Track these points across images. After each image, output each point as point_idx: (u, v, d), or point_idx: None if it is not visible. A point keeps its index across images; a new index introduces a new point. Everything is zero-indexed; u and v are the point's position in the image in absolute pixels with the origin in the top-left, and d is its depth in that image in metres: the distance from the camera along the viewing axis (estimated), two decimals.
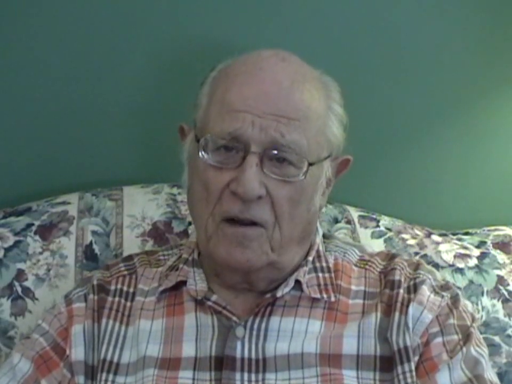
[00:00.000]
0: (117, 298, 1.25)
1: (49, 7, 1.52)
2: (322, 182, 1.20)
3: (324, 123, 1.19)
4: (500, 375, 1.42)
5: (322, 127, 1.18)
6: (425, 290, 1.18)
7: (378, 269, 1.23)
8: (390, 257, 1.26)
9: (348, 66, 1.58)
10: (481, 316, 1.46)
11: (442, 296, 1.18)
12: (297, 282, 1.19)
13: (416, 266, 1.22)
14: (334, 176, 1.24)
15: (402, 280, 1.19)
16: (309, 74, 1.20)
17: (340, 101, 1.22)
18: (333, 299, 1.19)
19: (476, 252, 1.53)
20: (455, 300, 1.19)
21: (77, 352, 1.21)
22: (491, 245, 1.54)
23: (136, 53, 1.55)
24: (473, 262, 1.51)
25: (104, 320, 1.23)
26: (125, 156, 1.59)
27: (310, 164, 1.15)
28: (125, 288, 1.26)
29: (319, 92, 1.19)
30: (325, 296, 1.19)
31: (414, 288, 1.18)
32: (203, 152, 1.15)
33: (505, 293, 1.49)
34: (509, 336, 1.46)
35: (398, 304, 1.16)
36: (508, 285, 1.49)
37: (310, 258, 1.23)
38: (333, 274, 1.22)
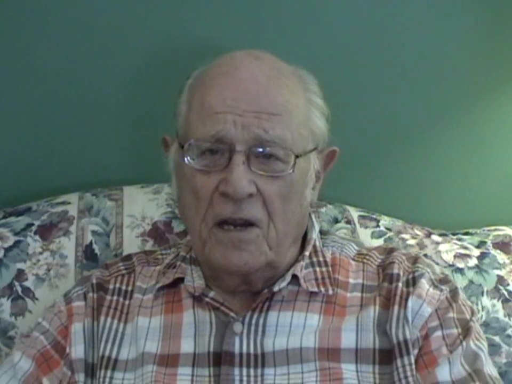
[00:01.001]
0: (115, 297, 1.25)
1: (46, 9, 1.53)
2: (311, 175, 1.20)
3: (306, 115, 1.18)
4: (500, 375, 1.39)
5: (304, 119, 1.18)
6: (424, 284, 1.17)
7: (376, 263, 1.23)
8: (388, 251, 1.25)
9: (348, 67, 1.59)
10: (481, 316, 1.46)
11: (441, 290, 1.18)
12: (294, 277, 1.18)
13: (415, 260, 1.22)
14: (323, 169, 1.24)
15: (401, 273, 1.19)
16: (284, 69, 1.19)
17: (319, 93, 1.22)
18: (330, 292, 1.18)
19: (476, 252, 1.52)
20: (454, 293, 1.18)
21: (77, 350, 1.21)
22: (491, 245, 1.54)
23: (135, 52, 1.56)
24: (473, 262, 1.50)
25: (102, 318, 1.23)
26: (125, 156, 1.59)
27: (297, 156, 1.14)
28: (123, 287, 1.26)
29: (297, 85, 1.19)
30: (322, 289, 1.18)
31: (412, 282, 1.17)
32: (188, 158, 1.15)
33: (505, 293, 1.48)
34: (509, 336, 1.46)
35: (397, 298, 1.16)
36: (508, 285, 1.49)
37: (307, 253, 1.22)
38: (330, 268, 1.21)
